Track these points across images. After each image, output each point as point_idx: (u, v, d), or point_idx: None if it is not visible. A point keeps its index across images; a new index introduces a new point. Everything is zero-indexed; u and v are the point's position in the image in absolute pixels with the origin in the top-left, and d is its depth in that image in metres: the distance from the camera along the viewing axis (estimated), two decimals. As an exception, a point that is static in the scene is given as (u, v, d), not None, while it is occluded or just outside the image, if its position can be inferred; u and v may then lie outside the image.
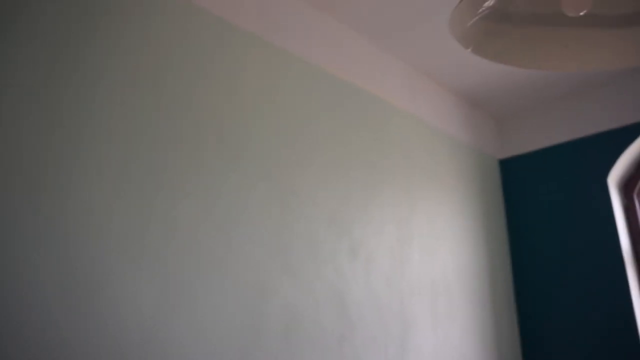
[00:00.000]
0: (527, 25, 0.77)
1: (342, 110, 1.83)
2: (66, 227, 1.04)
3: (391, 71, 2.10)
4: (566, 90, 2.41)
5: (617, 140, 2.23)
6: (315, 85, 1.76)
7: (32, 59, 1.07)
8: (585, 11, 0.67)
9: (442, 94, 2.38)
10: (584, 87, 2.37)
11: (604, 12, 0.74)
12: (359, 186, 1.80)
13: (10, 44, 1.05)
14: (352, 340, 1.58)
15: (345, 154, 1.78)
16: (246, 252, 1.37)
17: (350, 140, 1.82)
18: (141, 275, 1.13)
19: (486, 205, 2.47)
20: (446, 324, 1.97)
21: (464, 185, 2.35)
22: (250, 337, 1.31)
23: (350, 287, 1.63)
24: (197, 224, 1.27)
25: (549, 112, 2.52)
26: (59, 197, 1.05)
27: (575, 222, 2.29)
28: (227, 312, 1.27)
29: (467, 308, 2.11)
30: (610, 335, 2.07)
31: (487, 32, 0.76)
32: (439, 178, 2.20)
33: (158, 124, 1.26)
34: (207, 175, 1.33)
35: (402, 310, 1.79)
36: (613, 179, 2.26)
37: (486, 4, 0.72)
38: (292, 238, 1.51)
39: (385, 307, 1.73)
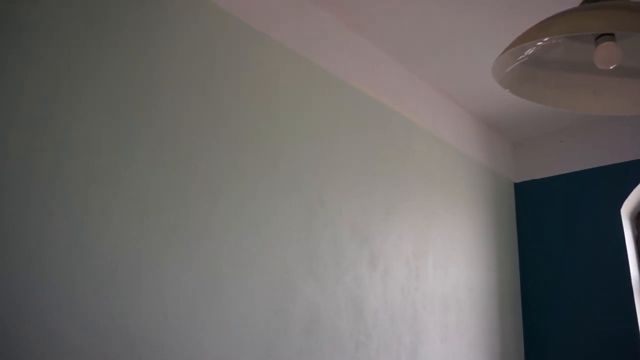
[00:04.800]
0: (560, 71, 0.86)
1: (369, 126, 1.92)
2: (121, 222, 1.14)
3: (416, 92, 2.19)
4: (583, 121, 2.49)
5: (631, 173, 2.30)
6: (345, 101, 1.85)
7: (83, 61, 1.18)
8: (615, 65, 0.76)
9: (463, 117, 2.47)
10: (600, 119, 2.45)
11: (631, 65, 0.84)
12: (381, 200, 1.88)
13: (58, 45, 1.16)
14: (367, 346, 1.66)
15: (370, 169, 1.87)
16: (275, 252, 1.46)
17: (375, 156, 1.91)
18: (180, 267, 1.23)
19: (499, 225, 2.54)
20: (455, 337, 2.04)
21: (479, 205, 2.43)
22: (275, 332, 1.40)
23: (368, 295, 1.72)
24: (231, 223, 1.37)
25: (566, 140, 2.59)
26: (113, 194, 1.15)
27: (585, 249, 2.36)
28: (254, 307, 1.36)
29: (475, 323, 2.18)
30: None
31: (524, 76, 0.86)
32: (455, 197, 2.28)
33: (203, 130, 1.36)
34: (243, 178, 1.43)
35: (415, 322, 1.87)
36: (626, 210, 2.32)
37: (526, 52, 0.81)
38: (318, 244, 1.60)
39: (399, 317, 1.81)
